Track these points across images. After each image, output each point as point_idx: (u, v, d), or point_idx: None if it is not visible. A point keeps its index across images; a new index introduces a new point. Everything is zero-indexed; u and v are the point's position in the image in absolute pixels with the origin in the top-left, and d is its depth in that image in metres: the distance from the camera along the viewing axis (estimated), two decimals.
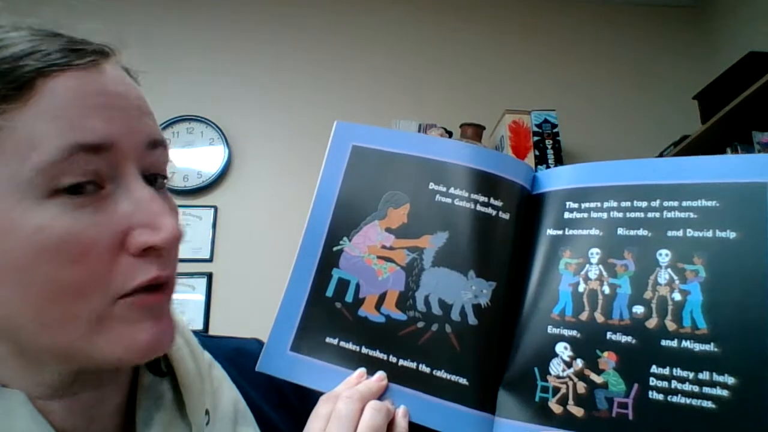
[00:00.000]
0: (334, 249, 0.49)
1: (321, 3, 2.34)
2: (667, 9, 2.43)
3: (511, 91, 2.25)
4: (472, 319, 0.46)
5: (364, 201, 0.50)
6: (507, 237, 0.48)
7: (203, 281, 1.96)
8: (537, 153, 1.95)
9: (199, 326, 1.91)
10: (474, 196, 0.48)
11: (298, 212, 2.07)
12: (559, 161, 1.96)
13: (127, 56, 0.38)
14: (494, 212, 0.48)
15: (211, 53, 2.23)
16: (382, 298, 0.47)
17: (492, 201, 0.48)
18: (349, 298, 0.47)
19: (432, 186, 0.49)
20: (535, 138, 1.98)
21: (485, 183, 0.49)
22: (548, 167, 1.92)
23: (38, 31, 0.34)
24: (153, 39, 2.18)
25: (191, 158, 2.10)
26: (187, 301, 1.94)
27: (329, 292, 0.48)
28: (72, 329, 0.32)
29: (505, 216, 0.48)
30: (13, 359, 0.34)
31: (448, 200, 0.49)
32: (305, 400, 0.52)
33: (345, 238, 0.49)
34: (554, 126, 2.01)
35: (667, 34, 2.40)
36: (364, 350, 0.45)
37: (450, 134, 2.01)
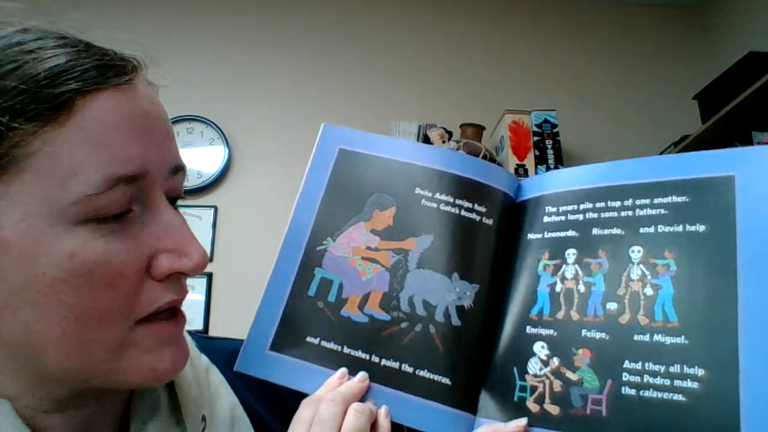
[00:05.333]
0: (318, 249, 0.49)
1: (321, 4, 2.34)
2: (667, 9, 2.43)
3: (511, 91, 2.25)
4: (455, 320, 0.46)
5: (350, 203, 0.51)
6: (490, 242, 0.49)
7: (203, 281, 1.96)
8: (537, 153, 1.95)
9: (199, 326, 1.91)
10: (459, 202, 0.50)
11: None
12: (559, 161, 1.96)
13: (156, 68, 0.38)
14: (478, 218, 0.50)
15: (212, 53, 2.23)
16: (365, 298, 0.47)
17: (476, 207, 0.50)
18: (331, 297, 0.48)
19: (418, 191, 0.50)
20: (535, 138, 1.98)
21: (470, 190, 0.50)
22: (548, 167, 1.92)
23: (68, 40, 0.33)
24: (152, 39, 2.17)
25: (191, 158, 2.10)
26: (187, 301, 1.93)
27: (311, 292, 0.48)
28: (95, 354, 0.32)
29: (489, 222, 0.50)
30: (22, 375, 0.34)
31: (434, 205, 0.50)
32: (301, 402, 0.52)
33: (329, 239, 0.50)
34: (554, 126, 2.00)
35: (667, 34, 2.40)
36: (346, 350, 0.46)
37: (450, 134, 2.01)
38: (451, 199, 0.50)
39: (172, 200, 0.37)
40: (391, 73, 2.27)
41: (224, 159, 2.09)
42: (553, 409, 0.41)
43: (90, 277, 0.31)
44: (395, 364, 0.45)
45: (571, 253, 0.46)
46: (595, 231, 0.46)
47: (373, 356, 0.45)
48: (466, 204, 0.50)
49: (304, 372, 0.45)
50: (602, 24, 2.41)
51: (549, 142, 1.98)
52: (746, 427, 0.34)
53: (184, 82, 2.17)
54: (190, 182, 2.05)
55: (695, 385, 0.37)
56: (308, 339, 0.46)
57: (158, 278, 0.34)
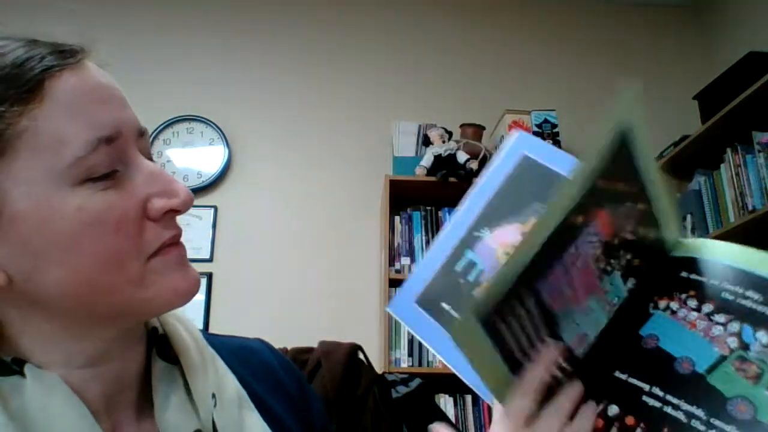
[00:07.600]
0: (475, 234, 0.57)
1: (320, 3, 2.34)
2: (667, 9, 2.43)
3: (511, 91, 2.25)
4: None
5: (516, 205, 0.56)
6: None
7: (203, 281, 1.96)
8: None
9: (199, 326, 1.90)
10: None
11: (297, 212, 2.09)
12: None
13: (98, 52, 0.42)
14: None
15: (211, 53, 2.23)
16: None
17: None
18: (471, 277, 0.55)
19: None
20: None
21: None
22: None
23: (17, 39, 0.38)
24: (153, 39, 2.18)
25: (191, 158, 2.10)
26: None
27: (458, 267, 0.56)
28: (124, 290, 0.38)
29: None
30: (61, 332, 0.39)
31: None
32: (306, 394, 0.55)
33: (487, 228, 0.56)
34: (554, 126, 2.01)
35: (667, 34, 2.40)
36: None
37: (450, 134, 2.01)
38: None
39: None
40: (392, 73, 2.27)
41: (224, 159, 2.09)
42: None
43: (99, 224, 0.36)
44: None
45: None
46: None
47: None
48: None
49: (437, 333, 0.53)
50: (602, 24, 2.41)
51: (549, 142, 1.98)
52: None
53: (184, 82, 2.17)
54: (190, 182, 2.06)
55: None
56: (443, 304, 0.54)
57: (155, 218, 0.39)
